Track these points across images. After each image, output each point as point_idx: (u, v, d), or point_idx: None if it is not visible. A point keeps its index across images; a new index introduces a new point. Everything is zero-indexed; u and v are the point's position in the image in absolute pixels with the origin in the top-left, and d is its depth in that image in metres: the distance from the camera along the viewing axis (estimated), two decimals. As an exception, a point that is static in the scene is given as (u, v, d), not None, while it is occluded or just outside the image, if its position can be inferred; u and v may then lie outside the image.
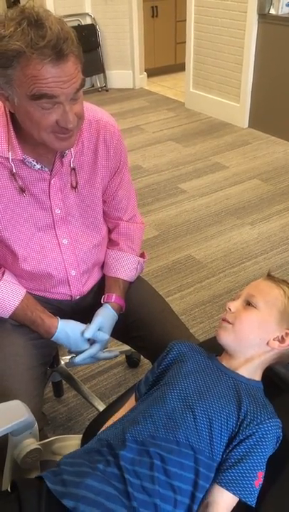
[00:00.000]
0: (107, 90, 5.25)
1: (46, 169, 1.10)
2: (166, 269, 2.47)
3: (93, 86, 5.30)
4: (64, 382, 1.76)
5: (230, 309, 0.93)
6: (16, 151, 1.05)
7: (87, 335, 1.19)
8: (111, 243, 1.35)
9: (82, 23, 4.97)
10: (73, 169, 1.13)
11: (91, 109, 1.16)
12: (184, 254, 2.59)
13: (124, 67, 5.25)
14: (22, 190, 1.10)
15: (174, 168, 3.54)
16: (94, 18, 4.99)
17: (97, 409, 1.64)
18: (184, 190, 3.24)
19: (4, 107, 1.02)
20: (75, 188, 1.16)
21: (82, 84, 0.95)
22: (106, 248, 1.34)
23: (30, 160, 1.07)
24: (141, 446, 0.80)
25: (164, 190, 3.24)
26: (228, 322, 0.92)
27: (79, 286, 1.28)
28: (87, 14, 4.97)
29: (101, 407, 1.64)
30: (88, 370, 1.90)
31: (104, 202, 1.26)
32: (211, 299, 2.25)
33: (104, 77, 5.24)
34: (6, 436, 0.97)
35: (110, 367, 1.90)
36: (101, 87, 5.27)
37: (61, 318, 1.24)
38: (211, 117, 4.47)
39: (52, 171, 1.11)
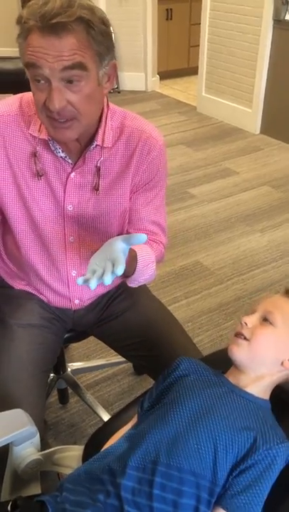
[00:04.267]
0: (119, 92, 5.24)
1: (70, 161, 1.08)
2: (173, 275, 2.45)
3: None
4: (69, 388, 1.75)
5: (246, 324, 0.89)
6: (43, 132, 1.05)
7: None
8: None
9: (96, 25, 4.96)
10: (98, 170, 1.10)
11: (139, 119, 1.13)
12: (192, 260, 2.57)
13: (137, 70, 5.24)
14: (39, 175, 1.08)
15: (183, 172, 3.52)
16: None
17: (100, 417, 1.62)
18: (194, 195, 3.22)
19: None
20: (96, 190, 1.12)
21: (78, 66, 0.90)
22: None
23: (56, 145, 1.06)
24: (142, 474, 0.78)
25: (173, 194, 3.22)
26: (243, 338, 0.88)
27: (78, 290, 1.23)
28: (102, 16, 4.96)
29: (104, 414, 1.62)
30: (93, 376, 1.88)
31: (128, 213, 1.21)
32: (218, 307, 2.23)
33: (117, 78, 5.23)
34: (6, 445, 0.95)
35: (115, 374, 1.88)
36: (113, 89, 5.24)
37: (62, 330, 1.22)
38: (223, 122, 4.44)
39: (75, 164, 1.09)
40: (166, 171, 1.20)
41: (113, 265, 0.88)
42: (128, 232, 1.21)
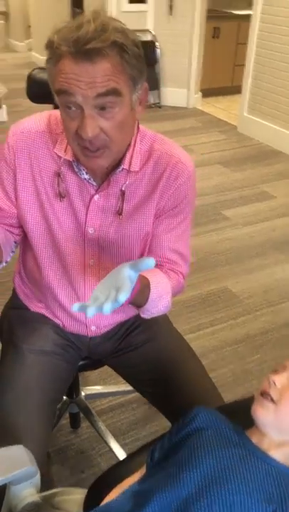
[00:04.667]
0: (160, 107, 5.22)
1: (94, 183, 1.04)
2: (199, 300, 2.36)
3: (147, 102, 5.26)
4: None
5: (274, 383, 0.79)
6: (69, 152, 1.01)
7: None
8: None
9: (142, 39, 4.97)
10: (123, 194, 1.05)
11: (169, 143, 1.08)
12: (221, 285, 2.48)
13: (180, 86, 5.21)
14: (61, 196, 1.04)
15: (219, 192, 3.44)
16: (154, 35, 4.97)
17: (110, 447, 1.54)
18: (227, 217, 3.13)
19: None
20: (119, 214, 1.07)
21: (112, 93, 0.86)
22: None
23: (80, 167, 1.02)
24: None
25: (206, 214, 3.14)
26: (270, 399, 0.79)
27: (95, 316, 1.16)
28: (148, 31, 4.97)
29: (114, 445, 1.55)
30: (107, 401, 1.80)
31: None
32: (245, 339, 2.12)
33: (159, 93, 5.21)
34: (4, 484, 0.89)
35: (130, 401, 1.80)
36: (154, 104, 5.24)
37: (76, 358, 1.16)
38: (263, 144, 4.34)
39: (99, 186, 1.04)
40: (193, 199, 1.13)
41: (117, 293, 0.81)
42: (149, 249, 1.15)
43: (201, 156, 4.05)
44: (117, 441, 1.59)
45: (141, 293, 0.97)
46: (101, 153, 0.93)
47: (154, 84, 5.13)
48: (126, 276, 0.83)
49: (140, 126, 1.06)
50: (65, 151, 1.02)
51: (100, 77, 0.84)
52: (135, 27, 5.02)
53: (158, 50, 5.00)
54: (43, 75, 1.36)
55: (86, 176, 1.03)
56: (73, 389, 1.57)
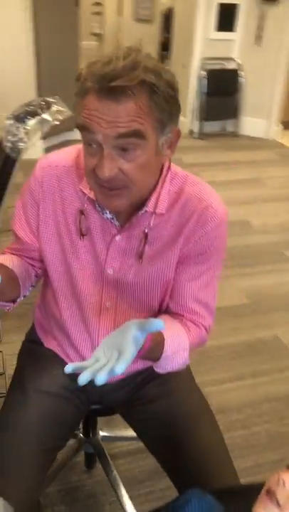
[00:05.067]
0: (237, 136, 5.11)
1: (117, 223, 0.99)
2: (245, 346, 2.21)
3: (224, 130, 5.19)
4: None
5: (283, 484, 0.67)
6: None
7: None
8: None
9: (226, 67, 4.91)
10: (145, 236, 0.99)
11: (201, 185, 0.99)
12: (271, 333, 2.31)
13: (260, 116, 5.07)
14: (82, 234, 1.00)
15: (285, 231, 3.25)
16: (239, 64, 4.90)
17: (118, 497, 1.45)
18: (290, 259, 2.95)
19: None
20: (140, 257, 1.01)
21: (134, 135, 0.80)
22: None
23: (99, 208, 0.97)
24: None
25: (267, 254, 2.98)
26: (276, 503, 0.67)
27: None
28: (232, 59, 4.91)
29: (125, 496, 1.45)
30: (127, 443, 1.71)
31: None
32: (287, 398, 1.94)
33: (237, 122, 5.11)
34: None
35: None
36: (231, 132, 5.14)
37: (85, 403, 1.09)
38: None
39: (122, 227, 0.99)
40: (223, 246, 1.04)
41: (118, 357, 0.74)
42: (168, 308, 1.07)
43: (272, 191, 3.88)
44: (131, 490, 1.49)
45: (152, 351, 0.90)
46: (119, 193, 0.87)
47: (234, 112, 5.05)
48: (131, 337, 0.77)
49: (172, 165, 0.99)
50: (90, 188, 0.97)
51: (122, 117, 0.79)
52: (220, 55, 5.01)
53: (241, 79, 4.92)
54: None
55: (109, 216, 0.98)
56: (90, 428, 1.50)
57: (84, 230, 1.00)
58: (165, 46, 5.46)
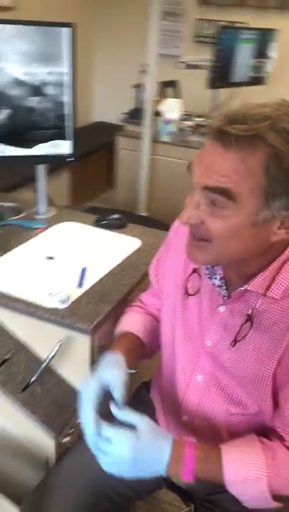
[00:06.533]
0: None
1: (224, 292, 0.89)
2: None
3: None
4: None
5: None
6: None
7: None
8: None
9: None
10: (249, 318, 0.85)
11: None
12: None
13: None
14: (189, 294, 0.96)
15: None
16: None
17: None
18: None
19: None
20: (235, 339, 0.88)
21: (221, 192, 0.72)
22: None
23: (216, 270, 0.90)
24: None
25: None
26: None
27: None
28: None
29: None
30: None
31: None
32: None
33: None
34: None
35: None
36: None
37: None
38: None
39: (228, 298, 0.89)
40: None
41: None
42: (272, 420, 0.90)
43: None
44: None
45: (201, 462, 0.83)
46: (202, 247, 0.79)
47: None
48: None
49: None
50: None
51: (217, 168, 0.71)
52: None
53: None
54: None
55: (218, 282, 0.90)
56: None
57: (194, 289, 0.95)
58: None
